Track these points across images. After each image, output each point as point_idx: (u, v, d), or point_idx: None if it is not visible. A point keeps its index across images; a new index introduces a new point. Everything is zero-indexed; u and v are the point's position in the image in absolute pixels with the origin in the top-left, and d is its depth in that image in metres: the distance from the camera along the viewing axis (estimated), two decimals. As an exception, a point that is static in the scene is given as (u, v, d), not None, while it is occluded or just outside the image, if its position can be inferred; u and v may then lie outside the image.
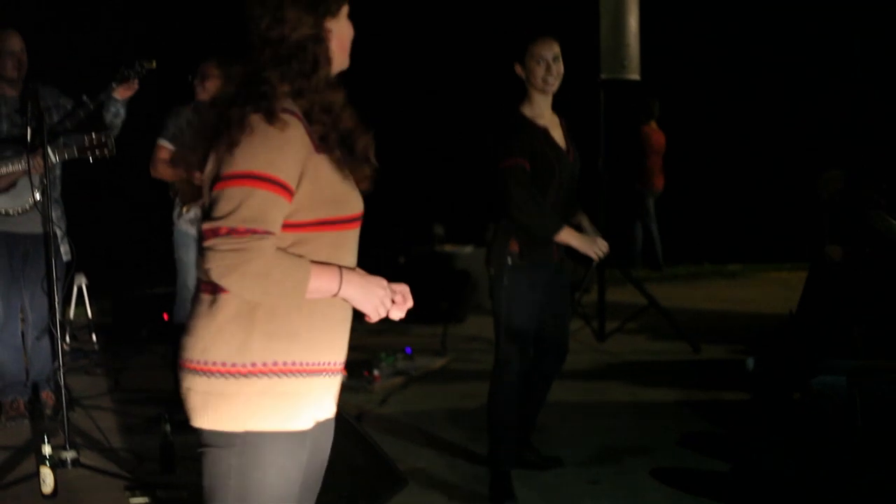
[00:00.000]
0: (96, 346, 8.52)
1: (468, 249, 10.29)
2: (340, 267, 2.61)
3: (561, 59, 5.00)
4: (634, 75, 8.28)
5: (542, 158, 4.93)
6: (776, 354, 6.36)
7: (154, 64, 6.08)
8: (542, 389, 5.40)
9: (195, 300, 2.68)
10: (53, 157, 5.59)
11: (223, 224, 2.46)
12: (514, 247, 4.95)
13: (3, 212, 6.01)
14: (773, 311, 8.67)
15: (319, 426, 2.74)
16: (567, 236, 4.95)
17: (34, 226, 6.04)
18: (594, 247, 4.99)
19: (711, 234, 13.13)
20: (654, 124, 12.52)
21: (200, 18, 9.34)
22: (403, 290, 2.76)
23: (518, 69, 5.01)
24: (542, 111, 5.04)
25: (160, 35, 9.47)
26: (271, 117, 2.51)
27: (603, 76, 8.20)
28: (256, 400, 2.56)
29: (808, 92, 12.93)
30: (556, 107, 5.12)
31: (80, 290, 8.74)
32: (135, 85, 6.02)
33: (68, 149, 5.66)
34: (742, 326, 9.16)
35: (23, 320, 6.41)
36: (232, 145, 2.51)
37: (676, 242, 12.79)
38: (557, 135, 5.09)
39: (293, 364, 2.60)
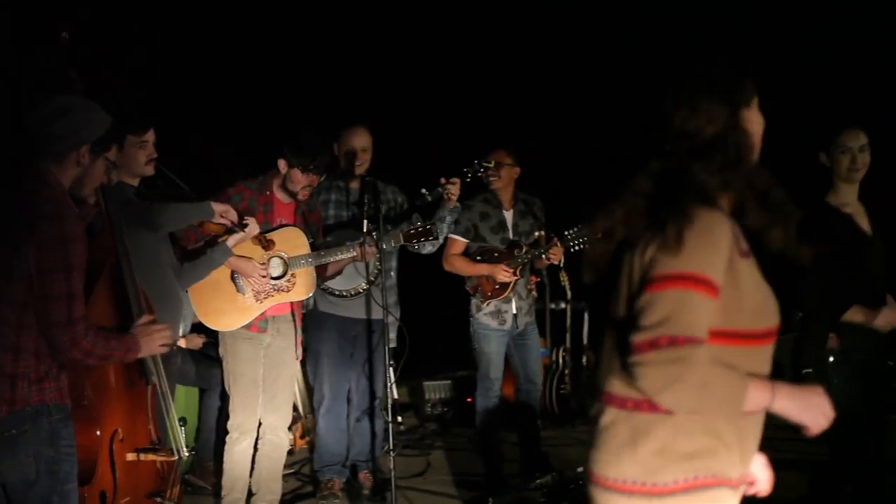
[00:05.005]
0: (402, 427, 8.71)
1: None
2: (772, 381, 2.46)
3: (868, 149, 4.90)
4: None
5: (849, 245, 4.82)
6: None
7: (493, 164, 6.32)
8: None
9: (602, 413, 2.59)
10: (383, 244, 5.86)
11: (662, 333, 2.34)
12: (834, 342, 4.86)
13: (338, 293, 6.31)
14: None
15: None
16: (854, 313, 4.77)
17: (366, 310, 6.33)
18: (882, 318, 4.75)
19: None
20: None
21: (481, 111, 9.58)
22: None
23: (823, 158, 4.94)
24: (848, 199, 4.95)
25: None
26: (710, 210, 2.42)
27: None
28: None
29: None
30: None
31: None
32: (458, 183, 6.21)
33: (395, 235, 5.93)
34: None
35: (348, 402, 6.67)
36: (671, 243, 2.39)
37: None
38: (864, 223, 4.97)
39: (709, 478, 2.49)
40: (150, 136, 5.21)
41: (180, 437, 4.40)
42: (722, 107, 2.55)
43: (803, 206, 4.90)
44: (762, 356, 2.55)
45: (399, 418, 8.72)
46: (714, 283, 2.39)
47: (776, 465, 6.65)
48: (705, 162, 2.51)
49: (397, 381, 8.90)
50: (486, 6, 9.78)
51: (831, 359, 4.81)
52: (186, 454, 4.43)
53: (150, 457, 4.32)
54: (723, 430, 2.49)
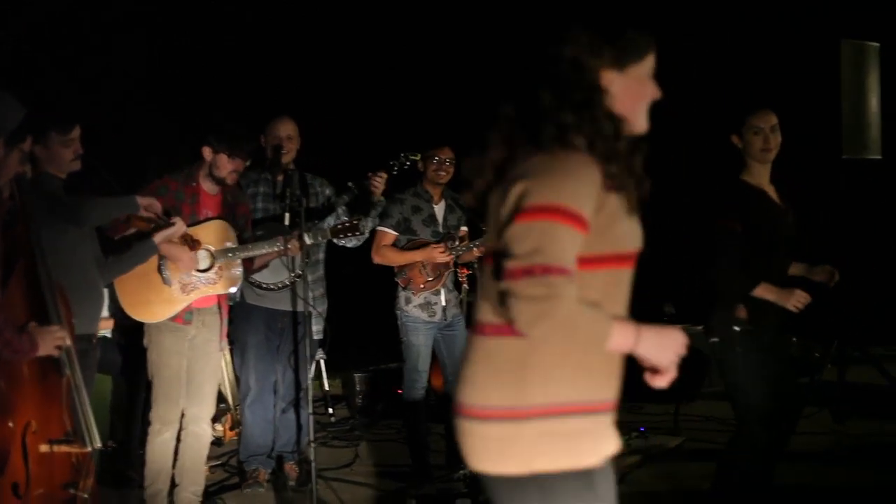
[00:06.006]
0: (332, 419, 8.74)
1: (700, 328, 10.16)
2: (636, 323, 2.57)
3: (778, 129, 5.03)
4: (876, 155, 8.16)
5: (762, 219, 4.99)
6: None
7: (419, 157, 6.36)
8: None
9: (471, 341, 2.71)
10: (307, 239, 5.90)
11: (536, 262, 2.42)
12: (742, 313, 4.97)
13: (265, 286, 6.33)
14: None
15: (605, 468, 2.70)
16: (762, 290, 4.93)
17: (292, 303, 6.35)
18: (792, 298, 4.93)
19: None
20: None
21: (426, 103, 9.63)
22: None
23: (735, 139, 5.08)
24: (760, 179, 5.10)
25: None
26: (575, 149, 2.56)
27: (845, 156, 8.09)
28: (538, 441, 2.56)
29: None
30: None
31: (317, 364, 9.05)
32: (384, 178, 6.29)
33: (321, 231, 5.98)
34: None
35: (275, 393, 6.70)
36: (539, 176, 2.52)
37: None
38: (776, 199, 5.13)
39: (570, 404, 2.58)
40: (76, 132, 5.21)
41: (94, 429, 4.41)
42: (589, 59, 2.66)
43: (719, 186, 5.10)
44: (625, 278, 2.69)
45: (330, 410, 8.80)
46: (582, 218, 2.49)
47: (703, 455, 6.75)
48: (576, 113, 2.62)
49: (327, 373, 8.99)
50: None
51: (736, 328, 4.91)
52: (100, 445, 4.44)
53: (64, 448, 4.31)
54: (574, 358, 2.59)
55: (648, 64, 2.75)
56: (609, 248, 2.60)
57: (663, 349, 2.60)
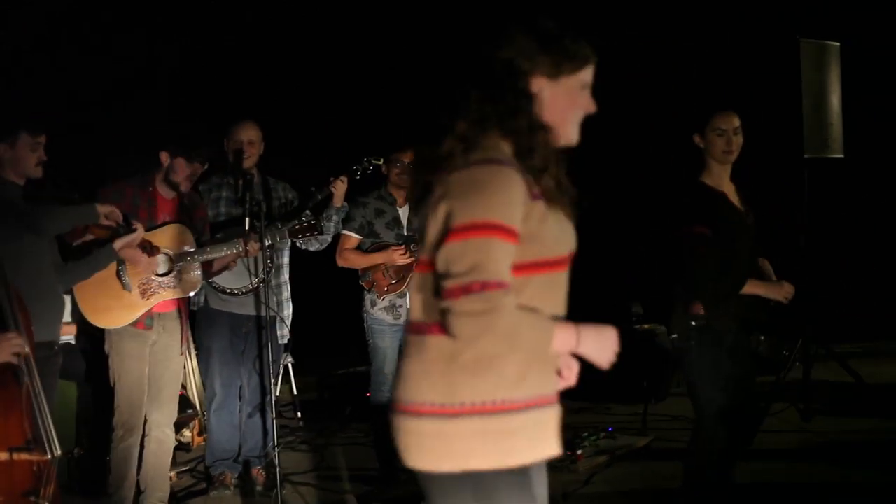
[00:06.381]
0: (301, 423, 8.75)
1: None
2: (576, 323, 2.61)
3: (741, 132, 5.07)
4: (838, 153, 8.21)
5: (725, 223, 4.99)
6: None
7: (382, 160, 6.38)
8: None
9: (406, 342, 2.74)
10: (266, 241, 5.91)
11: (474, 279, 2.45)
12: (698, 309, 5.00)
13: (229, 290, 6.33)
14: None
15: (541, 467, 2.73)
16: (752, 287, 4.98)
17: (256, 308, 6.36)
18: (782, 291, 5.02)
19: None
20: None
21: (392, 107, 9.66)
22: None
23: (697, 139, 5.10)
24: (720, 181, 5.11)
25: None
26: (500, 161, 2.57)
27: (806, 155, 8.13)
28: (472, 438, 2.57)
29: None
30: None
31: (285, 368, 9.06)
32: (345, 183, 6.32)
33: (280, 232, 5.99)
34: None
35: (240, 398, 6.69)
36: (463, 194, 2.53)
37: (884, 317, 12.38)
38: (735, 200, 5.14)
39: (502, 402, 2.58)
40: (43, 138, 5.20)
41: (54, 437, 4.39)
42: (522, 63, 2.67)
43: (679, 188, 5.11)
44: (561, 280, 2.71)
45: (299, 414, 8.80)
46: (513, 230, 2.52)
47: (671, 454, 6.75)
48: (492, 105, 2.65)
49: (297, 377, 9.00)
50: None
51: (693, 323, 4.94)
52: (60, 453, 4.42)
53: (24, 456, 4.30)
54: (504, 356, 2.59)
55: (584, 76, 2.75)
56: (541, 255, 2.62)
57: (603, 348, 2.65)
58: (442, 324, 2.53)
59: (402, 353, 2.77)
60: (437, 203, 2.60)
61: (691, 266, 4.94)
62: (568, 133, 2.75)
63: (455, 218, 2.53)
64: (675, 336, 5.05)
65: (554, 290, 2.69)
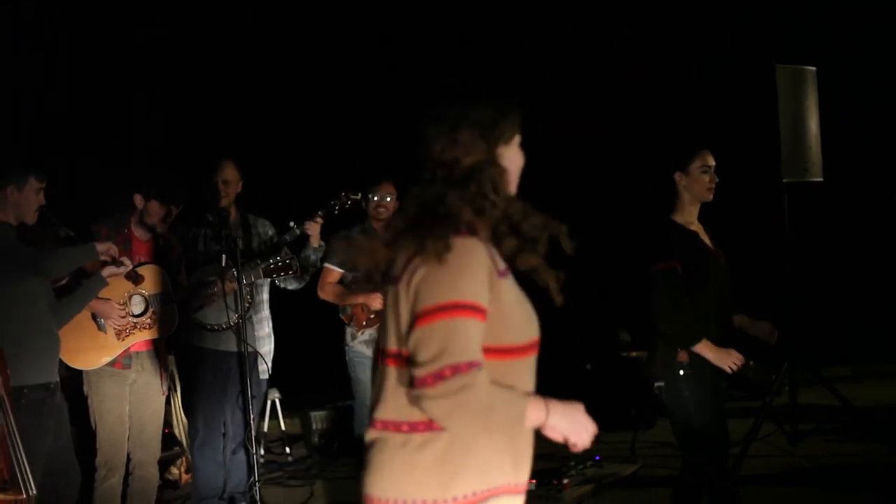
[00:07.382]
0: (290, 458, 8.74)
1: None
2: (544, 397, 2.59)
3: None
4: (817, 177, 8.24)
5: (696, 262, 4.98)
6: None
7: (360, 195, 6.40)
8: None
9: (378, 438, 2.64)
10: (244, 278, 5.95)
11: (444, 364, 2.43)
12: (683, 356, 4.98)
13: (210, 326, 6.34)
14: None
15: None
16: (703, 348, 4.90)
17: (237, 343, 6.37)
18: (728, 359, 4.90)
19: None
20: None
21: (369, 143, 9.71)
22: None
23: (679, 177, 5.08)
24: (691, 219, 5.11)
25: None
26: (465, 237, 2.53)
27: (785, 180, 8.15)
28: None
29: None
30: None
31: (272, 403, 9.06)
32: (320, 223, 6.37)
33: (254, 271, 6.03)
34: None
35: (224, 435, 6.67)
36: (430, 273, 2.50)
37: (869, 339, 12.40)
38: (706, 240, 5.14)
39: (488, 490, 2.58)
40: (45, 184, 5.25)
41: (29, 477, 4.39)
42: (480, 141, 2.66)
43: (650, 225, 5.10)
44: (528, 367, 2.68)
45: (287, 449, 8.78)
46: (480, 307, 2.50)
47: (658, 481, 6.74)
48: (461, 191, 2.61)
49: (284, 412, 8.98)
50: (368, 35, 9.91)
51: (682, 372, 4.92)
52: (35, 493, 4.42)
53: (-1, 497, 4.32)
54: (497, 442, 2.59)
55: (515, 142, 2.76)
56: (506, 340, 2.59)
57: (572, 424, 2.62)
58: (425, 421, 2.53)
59: (371, 446, 2.67)
60: (405, 287, 2.57)
61: (658, 301, 4.94)
62: (512, 190, 2.76)
63: (422, 301, 2.51)
64: (660, 384, 5.03)
65: (520, 376, 2.64)
